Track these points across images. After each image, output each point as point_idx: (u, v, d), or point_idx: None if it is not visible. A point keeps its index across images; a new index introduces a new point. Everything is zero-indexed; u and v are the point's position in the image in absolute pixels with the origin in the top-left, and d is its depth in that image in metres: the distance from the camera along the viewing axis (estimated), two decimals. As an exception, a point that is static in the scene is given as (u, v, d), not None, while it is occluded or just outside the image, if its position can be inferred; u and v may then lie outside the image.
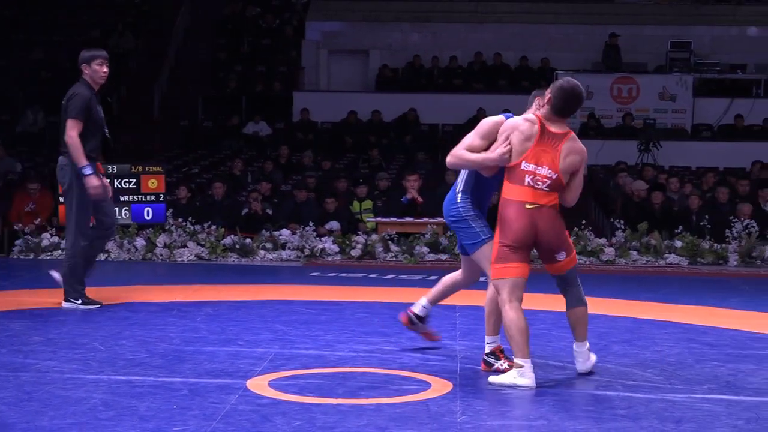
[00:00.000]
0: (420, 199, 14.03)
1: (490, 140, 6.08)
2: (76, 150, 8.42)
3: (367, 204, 14.95)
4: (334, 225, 14.32)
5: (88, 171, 8.39)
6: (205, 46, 25.18)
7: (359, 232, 13.76)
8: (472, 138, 6.17)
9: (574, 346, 6.13)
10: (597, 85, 22.40)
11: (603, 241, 13.40)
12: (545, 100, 6.00)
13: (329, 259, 13.09)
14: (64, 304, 8.52)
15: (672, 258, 13.09)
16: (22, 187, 15.45)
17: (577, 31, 24.51)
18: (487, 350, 6.33)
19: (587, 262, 12.92)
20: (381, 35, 24.93)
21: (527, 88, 14.76)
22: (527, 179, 5.85)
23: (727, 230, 13.40)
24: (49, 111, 22.39)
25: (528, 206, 5.84)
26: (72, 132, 8.49)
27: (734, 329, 8.03)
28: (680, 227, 13.45)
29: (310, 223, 13.55)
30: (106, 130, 8.97)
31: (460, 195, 6.31)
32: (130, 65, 24.42)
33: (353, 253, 13.09)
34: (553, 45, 24.28)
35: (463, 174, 6.36)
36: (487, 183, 6.27)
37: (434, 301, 6.73)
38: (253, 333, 7.47)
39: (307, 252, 13.15)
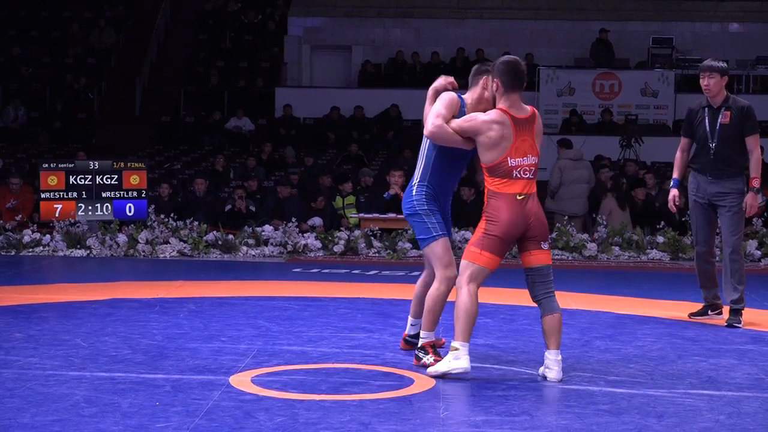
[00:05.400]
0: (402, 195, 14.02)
1: (453, 115, 6.06)
2: None
3: (350, 199, 14.95)
4: (316, 221, 14.32)
5: None
6: (186, 41, 25.13)
7: (342, 228, 13.76)
8: (440, 110, 6.07)
9: (548, 353, 5.95)
10: (579, 81, 22.49)
11: (585, 236, 13.43)
12: (494, 89, 5.97)
13: (312, 255, 13.08)
14: None
15: (654, 253, 13.14)
16: (3, 183, 15.38)
17: (559, 27, 24.57)
18: (419, 344, 6.32)
19: (569, 258, 12.95)
20: (363, 31, 24.93)
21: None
22: (515, 173, 5.84)
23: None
24: (30, 107, 22.34)
25: (519, 197, 5.84)
26: None
27: (715, 325, 8.06)
28: (662, 223, 13.49)
29: (293, 219, 13.54)
30: None
31: (415, 188, 6.27)
32: (111, 61, 24.34)
33: (336, 249, 13.08)
34: (535, 41, 24.34)
35: (419, 165, 6.29)
36: (447, 174, 6.24)
37: (418, 316, 6.60)
38: (236, 329, 7.46)
39: (289, 248, 13.15)
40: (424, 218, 6.20)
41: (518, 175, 5.85)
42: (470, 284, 5.86)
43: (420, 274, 6.63)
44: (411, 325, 6.67)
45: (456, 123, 6.03)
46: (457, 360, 5.79)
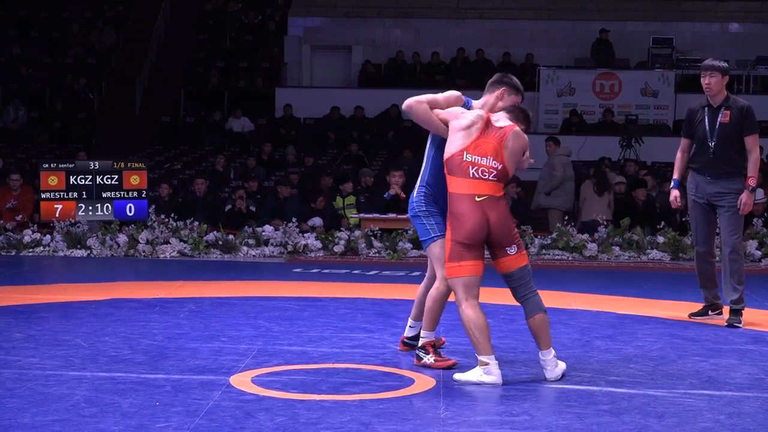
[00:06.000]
0: (403, 195, 14.03)
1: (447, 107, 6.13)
2: None
3: (351, 199, 14.95)
4: (317, 221, 14.32)
5: None
6: (186, 41, 25.12)
7: (342, 229, 13.76)
8: (434, 95, 6.15)
9: (540, 355, 5.94)
10: (579, 81, 22.48)
11: (585, 236, 13.42)
12: (499, 99, 6.16)
13: (312, 255, 13.08)
14: None
15: (654, 254, 13.14)
16: (3, 183, 15.38)
17: (559, 27, 24.57)
18: (419, 344, 6.34)
19: (570, 258, 12.94)
20: (363, 31, 24.93)
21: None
22: (471, 171, 5.82)
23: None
24: (31, 107, 22.34)
25: (478, 198, 5.79)
26: None
27: (716, 325, 8.06)
28: (663, 223, 13.49)
29: (293, 220, 13.54)
30: None
31: (416, 189, 6.33)
32: (111, 61, 24.34)
33: (336, 249, 13.08)
34: (535, 41, 24.34)
35: (422, 168, 6.35)
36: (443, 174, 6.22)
37: (418, 318, 6.61)
38: (236, 329, 7.46)
39: (289, 248, 13.14)
40: (423, 220, 6.25)
41: (475, 175, 5.81)
42: (468, 299, 5.81)
43: (422, 275, 6.64)
44: (410, 326, 6.68)
45: (441, 111, 6.10)
46: (488, 375, 5.74)
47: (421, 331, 6.31)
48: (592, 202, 14.92)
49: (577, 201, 15.54)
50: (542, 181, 15.36)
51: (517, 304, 6.03)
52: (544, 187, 15.27)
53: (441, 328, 7.39)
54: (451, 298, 6.07)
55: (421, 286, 6.58)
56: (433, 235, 6.19)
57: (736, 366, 6.46)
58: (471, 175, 5.82)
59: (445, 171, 5.94)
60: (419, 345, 6.30)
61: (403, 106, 6.18)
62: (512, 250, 5.91)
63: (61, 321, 7.72)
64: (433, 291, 6.23)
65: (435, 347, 6.26)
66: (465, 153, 5.85)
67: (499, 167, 5.85)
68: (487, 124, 5.91)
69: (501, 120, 5.99)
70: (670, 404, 5.40)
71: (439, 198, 6.25)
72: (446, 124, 6.03)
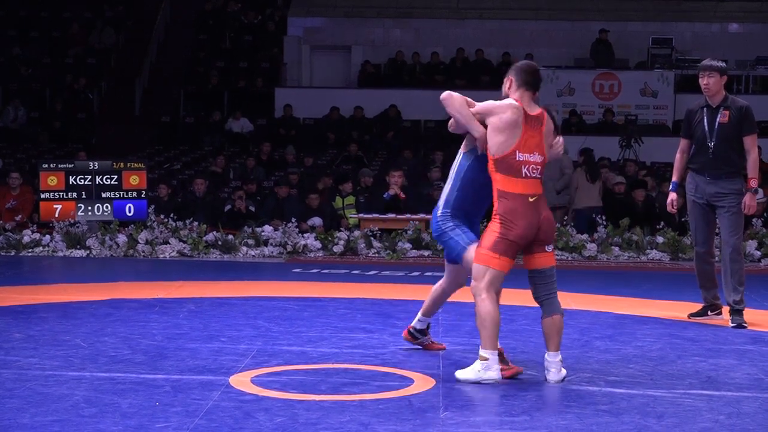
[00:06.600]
0: (403, 195, 14.05)
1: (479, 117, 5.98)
2: None
3: (350, 200, 14.95)
4: (316, 221, 14.33)
5: None
6: (186, 41, 25.11)
7: (341, 229, 13.76)
8: (477, 106, 5.99)
9: (548, 356, 5.92)
10: (579, 81, 22.48)
11: (585, 236, 13.43)
12: (507, 86, 5.95)
13: (311, 255, 13.08)
14: None
15: (654, 254, 13.14)
16: (2, 183, 15.38)
17: (559, 27, 24.57)
18: (417, 326, 6.64)
19: (569, 258, 12.95)
20: (363, 31, 24.93)
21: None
22: (524, 170, 5.77)
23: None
24: (30, 107, 22.34)
25: (531, 199, 5.77)
26: None
27: (715, 325, 8.06)
28: (662, 223, 13.49)
29: (293, 220, 13.54)
30: None
31: (441, 210, 6.18)
32: (111, 61, 24.34)
33: (335, 249, 13.08)
34: (534, 41, 24.33)
35: (447, 189, 6.20)
36: (475, 196, 6.11)
37: (428, 313, 6.65)
38: (236, 329, 7.46)
39: (289, 248, 13.14)
40: (450, 234, 6.12)
41: (527, 174, 5.77)
42: (490, 291, 5.77)
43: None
44: (419, 320, 6.69)
45: (477, 105, 5.98)
46: (488, 371, 5.72)
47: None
48: (585, 191, 15.02)
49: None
50: (551, 180, 15.36)
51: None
52: (556, 186, 15.29)
53: (440, 328, 7.40)
54: (456, 297, 6.04)
55: (437, 285, 6.58)
56: (464, 244, 6.06)
57: (736, 366, 6.46)
58: (524, 175, 5.78)
59: (492, 168, 5.83)
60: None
61: (441, 96, 6.07)
62: (549, 248, 5.92)
63: (61, 321, 7.72)
64: (447, 286, 6.50)
65: (502, 356, 6.03)
66: (517, 152, 5.77)
67: (543, 160, 5.85)
68: (526, 115, 5.83)
69: (525, 102, 5.88)
70: (670, 404, 5.40)
71: (462, 215, 6.13)
72: (482, 121, 5.90)
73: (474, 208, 6.20)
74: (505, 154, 5.79)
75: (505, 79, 6.05)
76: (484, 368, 5.74)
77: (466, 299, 6.63)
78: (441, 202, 6.22)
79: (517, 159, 5.77)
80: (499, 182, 5.81)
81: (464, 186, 6.11)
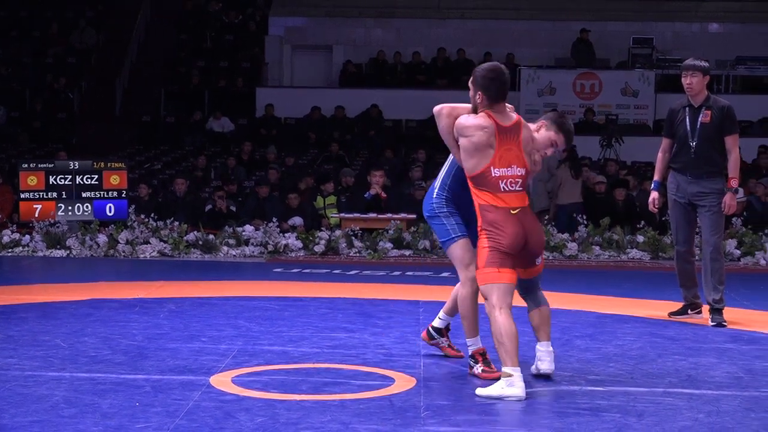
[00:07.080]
0: (384, 195, 14.04)
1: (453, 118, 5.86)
2: None
3: (331, 199, 14.94)
4: (297, 221, 14.31)
5: None
6: (167, 41, 25.05)
7: (322, 228, 13.75)
8: (456, 122, 5.84)
9: (539, 346, 5.92)
10: (560, 81, 22.54)
11: (566, 236, 13.45)
12: (478, 100, 5.76)
13: (292, 255, 13.07)
14: None
15: (634, 253, 13.17)
16: (-18, 183, 15.32)
17: (540, 27, 24.63)
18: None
19: (550, 258, 12.96)
20: (344, 31, 24.93)
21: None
22: (502, 185, 5.66)
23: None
24: (10, 107, 22.24)
25: (513, 212, 5.67)
26: None
27: (695, 324, 8.09)
28: (642, 222, 13.53)
29: (274, 219, 13.52)
30: None
31: (436, 191, 6.14)
32: (91, 60, 24.26)
33: (316, 249, 13.07)
34: (516, 41, 24.38)
35: (442, 175, 6.17)
36: (467, 191, 5.99)
37: (450, 312, 6.47)
38: (217, 329, 7.44)
39: (270, 248, 13.12)
40: (443, 220, 6.07)
41: (506, 188, 5.67)
42: (502, 306, 5.60)
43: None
44: (440, 318, 6.55)
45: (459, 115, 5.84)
46: (511, 387, 5.48)
47: (466, 339, 6.15)
48: (568, 186, 15.06)
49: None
50: (540, 182, 15.38)
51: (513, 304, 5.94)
52: (546, 187, 15.32)
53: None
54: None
55: (458, 284, 6.32)
56: (453, 235, 6.02)
57: (715, 365, 6.48)
58: (502, 189, 5.68)
59: (471, 185, 5.76)
60: (469, 354, 6.14)
61: (434, 110, 5.96)
62: (539, 260, 5.89)
63: (41, 321, 7.69)
64: (460, 296, 6.11)
65: (484, 356, 6.07)
66: (492, 169, 5.67)
67: (523, 173, 5.74)
68: (499, 129, 5.70)
69: (499, 113, 5.75)
70: (650, 403, 5.42)
71: (457, 200, 6.08)
72: (453, 128, 5.79)
73: (468, 193, 6.03)
74: (480, 171, 5.70)
75: (470, 86, 5.86)
76: (507, 384, 5.50)
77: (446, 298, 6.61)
78: (437, 183, 6.17)
79: (493, 175, 5.68)
80: (479, 197, 5.73)
81: (460, 169, 6.00)
